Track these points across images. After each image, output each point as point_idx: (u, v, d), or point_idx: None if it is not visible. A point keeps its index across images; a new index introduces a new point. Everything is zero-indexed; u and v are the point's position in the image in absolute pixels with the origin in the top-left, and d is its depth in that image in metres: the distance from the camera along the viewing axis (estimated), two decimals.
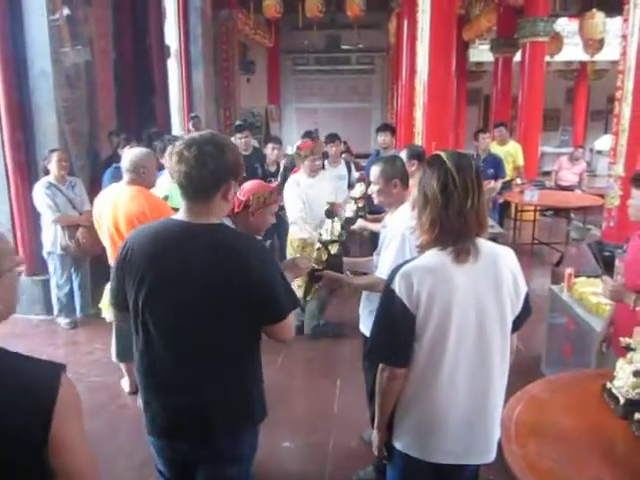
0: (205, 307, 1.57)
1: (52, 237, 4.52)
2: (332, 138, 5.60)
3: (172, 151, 1.62)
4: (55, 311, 4.77)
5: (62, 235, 4.49)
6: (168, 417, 1.68)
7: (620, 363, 1.92)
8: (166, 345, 1.63)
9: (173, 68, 8.25)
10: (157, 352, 1.64)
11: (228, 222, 2.34)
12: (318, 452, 3.01)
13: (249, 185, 2.41)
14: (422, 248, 1.62)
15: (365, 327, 2.51)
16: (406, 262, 1.63)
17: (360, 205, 3.51)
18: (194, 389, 1.64)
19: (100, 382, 3.80)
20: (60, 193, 4.45)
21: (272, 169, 5.56)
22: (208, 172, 1.56)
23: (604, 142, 10.89)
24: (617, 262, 3.09)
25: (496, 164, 6.27)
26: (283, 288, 1.65)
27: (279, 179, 5.45)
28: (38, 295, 4.89)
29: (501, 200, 6.73)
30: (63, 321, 4.71)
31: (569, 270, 3.57)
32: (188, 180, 1.57)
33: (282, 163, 5.76)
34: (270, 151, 5.54)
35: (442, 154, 1.61)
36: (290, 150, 11.48)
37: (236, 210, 2.34)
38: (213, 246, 1.58)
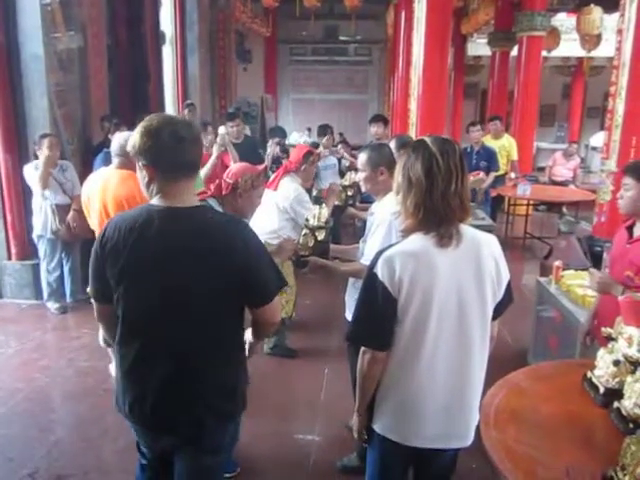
0: (191, 293, 1.54)
1: (42, 220, 4.51)
2: (324, 131, 5.59)
3: (142, 132, 1.54)
4: (45, 295, 4.76)
5: (52, 219, 4.47)
6: (149, 407, 1.62)
7: (601, 353, 1.93)
8: (151, 333, 1.59)
9: (168, 55, 8.20)
10: (141, 340, 1.60)
11: (215, 204, 2.34)
12: (303, 440, 3.03)
13: (236, 168, 2.42)
14: (406, 232, 1.63)
15: (351, 314, 2.51)
16: (389, 247, 1.63)
17: (350, 193, 3.51)
18: (179, 378, 1.60)
19: (88, 367, 3.80)
20: (50, 177, 4.43)
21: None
22: (195, 150, 1.56)
23: (599, 138, 10.90)
24: (605, 255, 3.11)
25: (489, 157, 6.28)
26: (270, 268, 1.64)
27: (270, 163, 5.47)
28: (27, 279, 4.88)
29: (494, 194, 6.74)
30: (53, 306, 4.71)
31: (557, 263, 3.59)
32: (179, 161, 1.56)
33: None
34: (273, 147, 5.53)
35: (426, 139, 1.61)
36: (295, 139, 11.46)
37: (224, 192, 2.34)
38: (198, 229, 1.55)
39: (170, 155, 1.54)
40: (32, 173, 4.39)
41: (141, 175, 1.60)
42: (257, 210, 3.79)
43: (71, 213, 4.49)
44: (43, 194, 4.42)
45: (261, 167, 2.55)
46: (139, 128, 1.55)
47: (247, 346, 1.88)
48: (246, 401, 1.77)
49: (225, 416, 1.69)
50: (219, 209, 2.34)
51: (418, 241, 1.59)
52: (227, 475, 2.72)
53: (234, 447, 1.90)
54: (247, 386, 1.78)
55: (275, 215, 3.53)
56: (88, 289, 3.22)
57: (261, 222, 3.64)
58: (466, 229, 1.62)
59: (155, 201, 1.59)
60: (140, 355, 1.62)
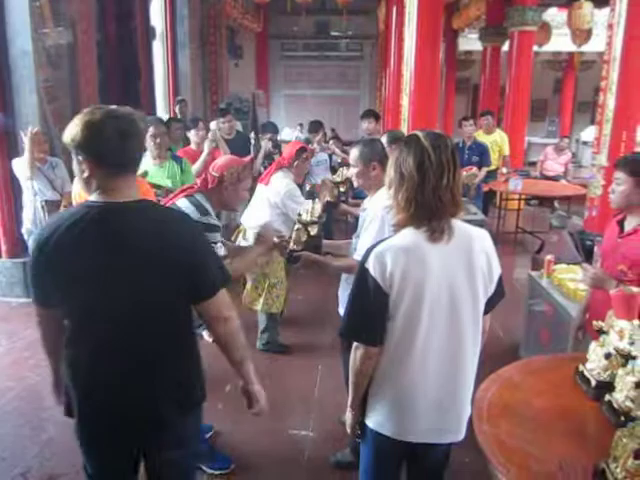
0: (137, 289, 1.51)
1: (32, 215, 4.47)
2: (316, 127, 5.58)
3: (84, 126, 1.47)
4: None
5: (42, 214, 4.44)
6: (108, 408, 1.58)
7: (593, 346, 1.94)
8: (100, 334, 1.54)
9: (158, 50, 8.14)
10: (92, 342, 1.56)
11: (202, 198, 2.34)
12: (297, 436, 3.03)
13: (222, 160, 2.42)
14: (398, 227, 1.63)
15: (344, 310, 2.52)
16: (380, 242, 1.63)
17: (342, 189, 3.51)
18: (134, 376, 1.58)
19: None
20: (40, 173, 4.39)
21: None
22: (134, 145, 1.52)
23: (590, 133, 10.96)
24: (596, 249, 3.12)
25: (482, 152, 6.28)
26: (213, 262, 1.62)
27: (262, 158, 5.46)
28: (18, 277, 4.85)
29: (486, 189, 6.75)
30: None
31: (549, 257, 3.60)
32: (116, 156, 1.49)
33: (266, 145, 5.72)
34: (266, 143, 5.50)
35: (419, 133, 1.60)
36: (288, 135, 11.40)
37: (210, 186, 2.34)
38: (140, 224, 1.52)
39: (113, 150, 1.48)
40: (20, 165, 4.36)
41: (79, 170, 1.53)
42: (250, 204, 3.85)
43: (62, 209, 4.45)
44: (33, 187, 4.38)
45: (247, 159, 2.54)
46: (79, 121, 1.48)
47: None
48: (205, 393, 1.76)
49: (184, 409, 1.67)
50: (206, 204, 2.34)
51: (410, 236, 1.58)
52: (220, 472, 2.72)
53: (200, 438, 1.95)
54: (204, 377, 1.78)
55: (266, 209, 3.54)
56: None
57: (253, 216, 3.64)
58: (458, 224, 1.62)
59: (94, 197, 1.52)
60: (93, 357, 1.57)
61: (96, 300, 1.51)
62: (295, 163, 3.65)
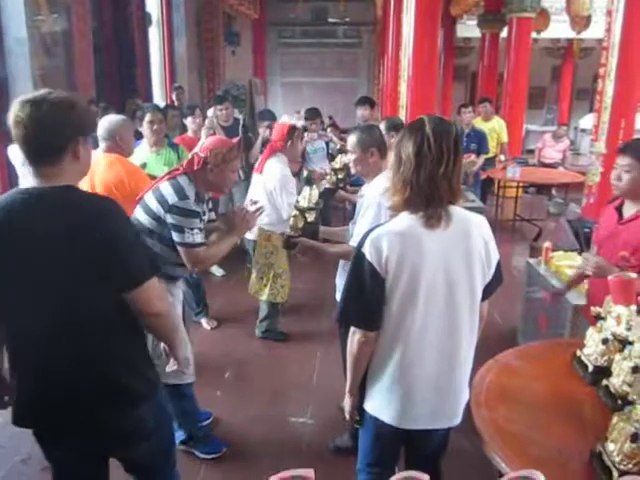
0: (58, 277, 1.45)
1: None
2: (312, 115, 5.55)
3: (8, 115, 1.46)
4: None
5: None
6: (44, 412, 1.57)
7: (590, 331, 1.95)
8: (25, 332, 1.51)
9: (155, 37, 8.08)
10: (22, 338, 1.53)
11: (185, 181, 2.29)
12: (296, 422, 3.05)
13: (208, 141, 2.38)
14: (393, 209, 1.63)
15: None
16: (376, 227, 1.63)
17: (340, 176, 3.50)
18: (67, 374, 1.53)
19: None
20: None
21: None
22: (49, 133, 1.44)
23: (588, 121, 10.92)
24: (594, 237, 3.12)
25: (479, 139, 6.27)
26: (139, 251, 1.55)
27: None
28: None
29: (484, 176, 6.74)
30: None
31: (547, 244, 3.61)
32: (28, 145, 1.45)
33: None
34: (264, 131, 5.45)
35: (425, 118, 1.60)
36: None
37: (195, 167, 2.30)
38: (58, 208, 1.46)
39: (17, 139, 1.46)
40: (16, 151, 4.33)
41: None
42: (249, 193, 3.82)
43: None
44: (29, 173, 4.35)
45: (234, 140, 2.51)
46: None
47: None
48: (155, 384, 1.70)
49: (131, 401, 1.61)
50: (188, 187, 2.27)
51: (406, 221, 1.59)
52: (212, 456, 2.74)
53: (167, 429, 1.85)
54: (151, 369, 1.70)
55: (264, 198, 3.49)
56: None
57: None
58: (456, 210, 1.62)
59: (27, 183, 1.52)
60: (21, 355, 1.55)
61: (16, 291, 1.48)
62: (288, 144, 3.55)
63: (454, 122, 1.67)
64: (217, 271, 5.17)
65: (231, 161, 2.38)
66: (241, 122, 5.68)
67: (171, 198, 2.21)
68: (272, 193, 3.45)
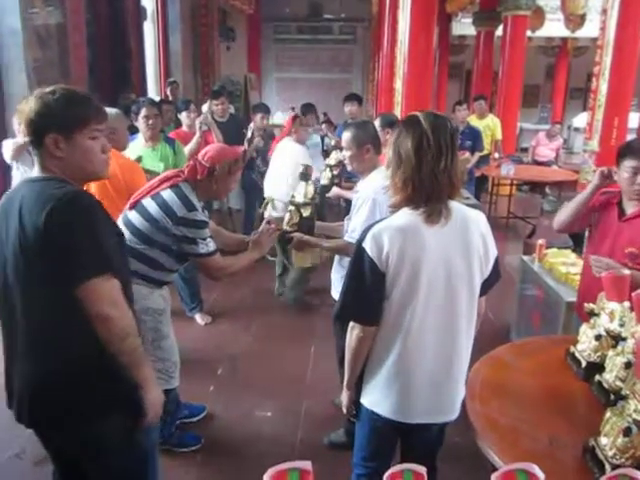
0: (13, 270, 1.47)
1: None
2: (308, 110, 5.54)
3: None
4: None
5: None
6: (13, 401, 1.59)
7: (584, 328, 1.96)
8: (3, 325, 1.58)
9: (149, 31, 8.04)
10: (3, 334, 1.60)
11: (188, 188, 2.24)
12: (290, 418, 3.05)
13: (214, 150, 2.32)
14: (394, 207, 1.63)
15: (337, 292, 2.52)
16: (377, 222, 1.63)
17: (335, 173, 3.50)
18: (21, 370, 1.54)
19: None
20: (26, 154, 4.33)
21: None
22: (27, 125, 1.50)
23: (582, 119, 10.98)
24: (586, 234, 3.13)
25: (474, 137, 6.28)
26: (86, 247, 1.45)
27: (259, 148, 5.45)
28: None
29: (478, 174, 6.76)
30: None
31: (540, 241, 3.63)
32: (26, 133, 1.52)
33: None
34: (259, 120, 5.44)
35: (419, 114, 1.60)
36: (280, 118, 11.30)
37: (199, 177, 2.25)
38: (20, 199, 1.47)
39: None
40: (7, 146, 4.30)
41: None
42: (268, 176, 4.33)
43: None
44: (18, 169, 4.33)
45: (240, 150, 2.48)
46: None
47: None
48: (109, 404, 1.55)
49: (76, 416, 1.53)
50: (191, 195, 2.22)
51: (406, 216, 1.59)
52: (188, 449, 2.75)
53: (137, 449, 1.68)
54: (113, 385, 1.55)
55: (288, 171, 4.02)
56: None
57: (277, 188, 4.17)
58: (455, 205, 1.63)
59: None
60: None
61: None
62: (293, 129, 4.18)
63: (447, 117, 1.67)
64: None
65: (236, 172, 2.35)
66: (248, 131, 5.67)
67: (179, 210, 2.14)
68: (297, 165, 3.58)
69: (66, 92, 1.53)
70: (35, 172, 1.55)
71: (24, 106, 1.50)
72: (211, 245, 2.21)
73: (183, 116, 5.01)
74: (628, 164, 2.22)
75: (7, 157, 4.27)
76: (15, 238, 1.45)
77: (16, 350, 1.54)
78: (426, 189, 1.56)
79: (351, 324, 1.68)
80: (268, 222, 2.37)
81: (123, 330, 1.49)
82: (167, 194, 2.17)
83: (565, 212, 2.51)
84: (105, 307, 1.45)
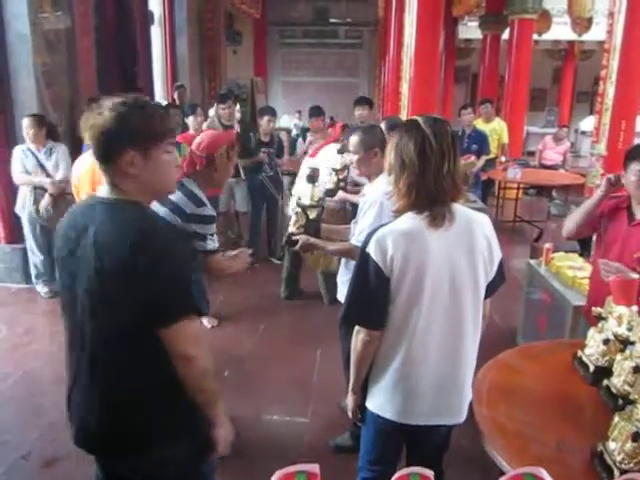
0: (92, 300, 1.38)
1: (22, 200, 4.49)
2: (316, 112, 5.56)
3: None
4: (32, 277, 4.73)
5: (30, 201, 4.43)
6: (74, 427, 1.52)
7: (591, 332, 1.96)
8: (69, 343, 1.49)
9: (157, 35, 8.09)
10: (67, 351, 1.51)
11: (193, 184, 2.25)
12: (297, 421, 3.05)
13: (207, 139, 2.32)
14: (399, 213, 1.63)
15: (342, 295, 2.52)
16: (381, 226, 1.63)
17: (341, 177, 3.50)
18: (85, 398, 1.47)
19: None
20: (33, 158, 4.38)
21: (266, 139, 5.52)
22: (98, 141, 1.36)
23: (589, 123, 10.94)
24: (594, 237, 3.13)
25: (481, 140, 6.28)
26: (173, 288, 1.38)
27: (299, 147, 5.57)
28: (17, 263, 4.85)
29: (485, 177, 6.75)
30: (42, 290, 4.68)
31: (547, 245, 3.62)
32: (92, 149, 1.40)
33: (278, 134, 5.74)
34: (266, 123, 5.46)
35: (419, 119, 1.60)
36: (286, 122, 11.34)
37: (198, 168, 2.27)
38: (101, 224, 1.36)
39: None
40: (16, 158, 4.36)
41: None
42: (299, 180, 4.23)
43: (46, 197, 4.39)
44: (25, 173, 4.39)
45: (232, 134, 2.48)
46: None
47: None
48: (177, 435, 1.48)
49: (143, 446, 1.47)
50: (197, 190, 2.24)
51: (410, 220, 1.59)
52: None
53: None
54: (181, 417, 1.49)
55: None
56: None
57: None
58: (459, 208, 1.63)
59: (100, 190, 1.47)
60: (68, 368, 1.52)
61: (65, 304, 1.49)
62: (341, 137, 4.46)
63: (446, 120, 1.67)
64: None
65: (233, 157, 2.36)
66: (237, 118, 5.69)
67: (188, 207, 2.15)
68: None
69: (141, 103, 1.41)
70: (104, 191, 1.43)
71: (94, 119, 1.35)
72: (214, 243, 2.24)
73: (190, 120, 5.04)
74: (635, 167, 2.22)
75: (15, 174, 4.34)
76: (91, 263, 1.34)
77: (81, 373, 1.46)
78: (430, 193, 1.56)
79: (356, 328, 1.68)
80: (243, 251, 2.36)
81: (204, 369, 1.46)
82: (174, 196, 2.18)
83: (573, 220, 2.50)
84: (190, 348, 1.41)
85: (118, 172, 1.39)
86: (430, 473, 0.92)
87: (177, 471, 1.52)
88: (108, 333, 1.39)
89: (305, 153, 5.62)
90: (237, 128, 5.32)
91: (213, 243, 2.22)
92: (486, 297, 1.70)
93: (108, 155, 1.38)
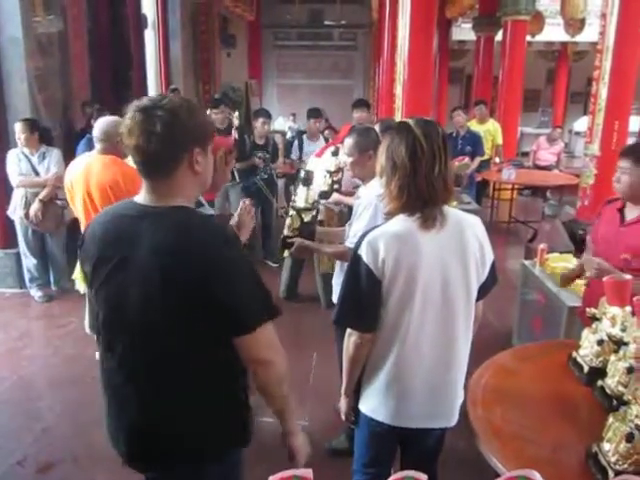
0: (150, 308, 1.31)
1: (14, 203, 4.48)
2: (316, 114, 5.55)
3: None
4: (26, 282, 4.71)
5: (22, 203, 4.42)
6: (116, 436, 1.47)
7: (585, 333, 1.96)
8: (114, 351, 1.41)
9: (150, 39, 8.08)
10: (109, 359, 1.43)
11: None
12: None
13: None
14: (390, 215, 1.63)
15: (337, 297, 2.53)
16: (373, 229, 1.64)
17: (335, 179, 3.51)
18: (137, 407, 1.40)
19: (75, 354, 3.78)
20: (27, 162, 4.37)
21: (261, 142, 5.51)
22: (159, 142, 1.27)
23: (583, 123, 10.98)
24: (589, 238, 3.14)
25: (475, 142, 6.30)
26: (253, 292, 1.35)
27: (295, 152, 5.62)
28: (11, 267, 4.83)
29: (479, 178, 6.77)
30: (36, 294, 4.66)
31: (542, 246, 3.62)
32: (139, 155, 1.31)
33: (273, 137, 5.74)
34: (260, 125, 5.46)
35: (410, 121, 1.61)
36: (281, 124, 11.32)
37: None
38: (165, 232, 1.30)
39: (128, 149, 1.36)
40: (11, 161, 4.35)
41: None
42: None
43: (36, 203, 4.38)
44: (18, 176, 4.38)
45: (230, 140, 2.51)
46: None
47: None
48: (226, 445, 1.49)
49: (193, 458, 1.41)
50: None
51: (402, 223, 1.59)
52: None
53: None
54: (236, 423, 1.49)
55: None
56: (74, 275, 3.22)
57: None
58: (450, 211, 1.63)
59: (138, 197, 1.40)
60: (108, 376, 1.45)
61: (107, 312, 1.41)
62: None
63: (437, 122, 1.67)
64: None
65: (231, 161, 2.38)
66: (234, 123, 5.69)
67: None
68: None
69: (187, 103, 1.37)
70: (149, 199, 1.36)
71: (148, 123, 1.28)
72: None
73: None
74: (619, 163, 2.31)
75: (13, 176, 4.33)
76: (154, 274, 1.28)
77: (127, 386, 1.40)
78: (422, 195, 1.56)
79: (348, 331, 1.68)
80: (244, 201, 2.35)
81: (282, 375, 1.44)
82: None
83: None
84: (270, 352, 1.39)
85: (179, 173, 1.34)
86: (424, 477, 0.91)
87: None
88: (169, 349, 1.34)
89: (300, 158, 5.62)
90: (235, 135, 5.30)
91: None
92: (478, 299, 1.70)
93: (174, 156, 1.32)
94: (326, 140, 5.73)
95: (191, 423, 1.40)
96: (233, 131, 5.39)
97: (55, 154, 4.51)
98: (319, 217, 3.93)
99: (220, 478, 1.51)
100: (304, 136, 5.79)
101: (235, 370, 1.43)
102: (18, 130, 4.31)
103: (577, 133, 12.81)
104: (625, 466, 1.35)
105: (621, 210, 2.37)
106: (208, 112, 5.66)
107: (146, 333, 1.34)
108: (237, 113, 5.66)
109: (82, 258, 1.47)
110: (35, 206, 4.36)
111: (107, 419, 1.50)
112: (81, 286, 3.22)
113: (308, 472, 0.90)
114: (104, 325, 1.43)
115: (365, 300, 1.61)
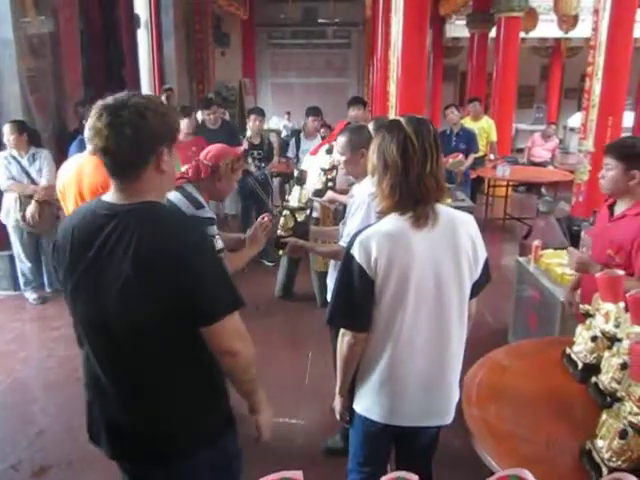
0: (124, 302, 1.32)
1: (6, 207, 4.44)
2: (315, 112, 5.53)
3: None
4: (21, 284, 4.69)
5: (15, 208, 4.39)
6: (98, 429, 1.51)
7: (579, 329, 1.96)
8: (92, 348, 1.43)
9: (143, 39, 8.05)
10: (87, 355, 1.45)
11: (192, 189, 2.29)
12: (288, 423, 3.04)
13: (215, 150, 2.35)
14: (382, 214, 1.63)
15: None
16: (365, 228, 1.63)
17: (330, 177, 3.50)
18: (117, 403, 1.43)
19: (69, 357, 3.75)
20: (17, 164, 4.34)
21: (256, 141, 5.49)
22: (127, 145, 1.28)
23: (577, 120, 11.00)
24: (583, 234, 3.14)
25: (469, 139, 6.28)
26: (219, 282, 1.38)
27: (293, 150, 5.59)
28: (4, 270, 4.81)
29: (474, 175, 6.77)
30: (31, 296, 4.64)
31: (536, 242, 3.62)
32: (107, 157, 1.31)
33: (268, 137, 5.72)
34: (253, 122, 5.43)
35: (401, 119, 1.60)
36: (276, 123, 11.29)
37: (202, 176, 2.28)
38: (135, 228, 1.31)
39: (95, 150, 1.36)
40: (0, 163, 4.33)
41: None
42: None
43: (32, 204, 4.35)
44: (8, 180, 4.35)
45: (240, 149, 2.51)
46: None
47: None
48: (211, 438, 1.50)
49: (179, 451, 1.45)
50: (197, 195, 2.26)
51: (394, 222, 1.59)
52: None
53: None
54: (213, 419, 1.51)
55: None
56: None
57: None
58: (442, 209, 1.62)
59: (106, 196, 1.40)
60: (88, 371, 1.48)
61: (82, 310, 1.42)
62: None
63: (429, 120, 1.67)
64: None
65: (237, 171, 2.38)
66: (248, 135, 5.68)
67: (187, 209, 2.15)
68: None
69: (155, 100, 1.40)
70: (119, 197, 1.36)
71: (116, 120, 1.28)
72: (219, 243, 2.22)
73: (185, 122, 5.02)
74: (604, 160, 2.34)
75: (2, 180, 4.31)
76: (127, 271, 1.29)
77: (107, 380, 1.43)
78: (413, 194, 1.55)
79: (342, 331, 1.67)
80: (262, 217, 2.37)
81: (249, 362, 1.48)
82: (172, 195, 2.18)
83: None
84: (237, 342, 1.41)
85: (147, 173, 1.34)
86: (415, 478, 0.91)
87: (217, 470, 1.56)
88: (141, 338, 1.36)
89: (297, 158, 5.61)
90: (245, 145, 5.25)
91: (217, 243, 2.21)
92: (471, 297, 1.70)
93: (142, 158, 1.33)
94: (322, 138, 5.72)
95: (172, 418, 1.43)
96: (244, 141, 5.36)
97: (45, 156, 4.48)
98: (315, 215, 3.92)
99: (211, 466, 1.54)
100: (301, 134, 5.78)
101: (213, 363, 1.46)
102: (6, 132, 4.28)
103: (571, 129, 12.81)
104: (619, 463, 1.35)
105: (611, 207, 2.40)
106: (200, 113, 5.67)
107: (123, 329, 1.35)
108: (258, 122, 5.59)
109: (57, 261, 1.46)
110: (32, 208, 4.34)
111: (89, 418, 1.55)
112: None
113: (298, 474, 0.89)
114: (82, 324, 1.44)
115: (358, 300, 1.60)
